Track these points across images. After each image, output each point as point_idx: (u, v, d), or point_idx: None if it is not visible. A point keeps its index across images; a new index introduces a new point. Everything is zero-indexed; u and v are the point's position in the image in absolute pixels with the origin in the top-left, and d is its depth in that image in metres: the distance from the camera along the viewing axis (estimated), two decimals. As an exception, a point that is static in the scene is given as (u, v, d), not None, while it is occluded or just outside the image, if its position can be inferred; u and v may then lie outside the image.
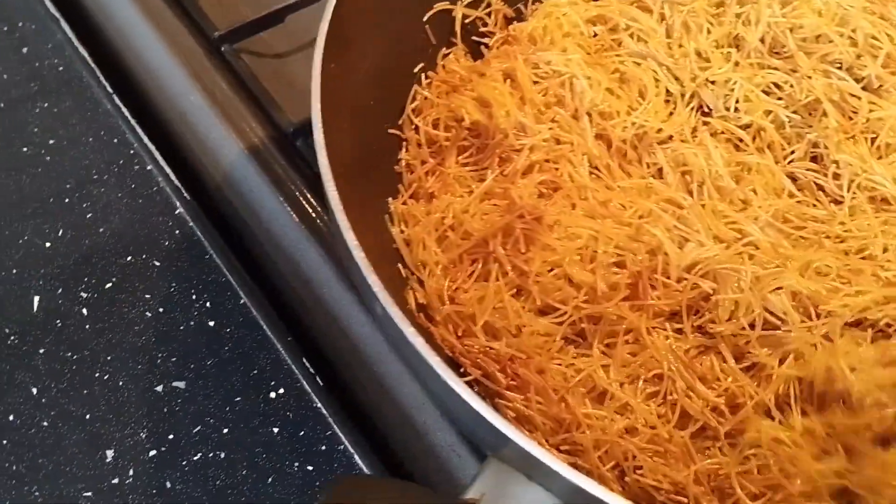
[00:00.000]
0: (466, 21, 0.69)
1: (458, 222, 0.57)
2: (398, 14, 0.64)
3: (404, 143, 0.63)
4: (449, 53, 0.67)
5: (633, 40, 0.67)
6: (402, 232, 0.58)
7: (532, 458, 0.40)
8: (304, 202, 0.67)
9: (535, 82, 0.63)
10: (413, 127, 0.63)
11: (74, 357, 0.58)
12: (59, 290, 0.60)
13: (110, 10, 0.79)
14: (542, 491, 0.42)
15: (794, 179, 0.62)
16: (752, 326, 0.53)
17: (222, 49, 0.78)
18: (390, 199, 0.60)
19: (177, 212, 0.65)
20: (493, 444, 0.43)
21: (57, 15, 0.76)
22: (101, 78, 0.72)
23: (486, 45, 0.69)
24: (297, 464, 0.54)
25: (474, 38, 0.69)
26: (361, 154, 0.57)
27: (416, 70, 0.66)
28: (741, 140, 0.63)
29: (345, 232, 0.46)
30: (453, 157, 0.61)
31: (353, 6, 0.58)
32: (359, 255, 0.46)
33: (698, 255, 0.54)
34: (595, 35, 0.67)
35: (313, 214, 0.67)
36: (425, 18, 0.67)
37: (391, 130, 0.63)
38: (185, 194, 0.66)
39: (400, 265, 0.57)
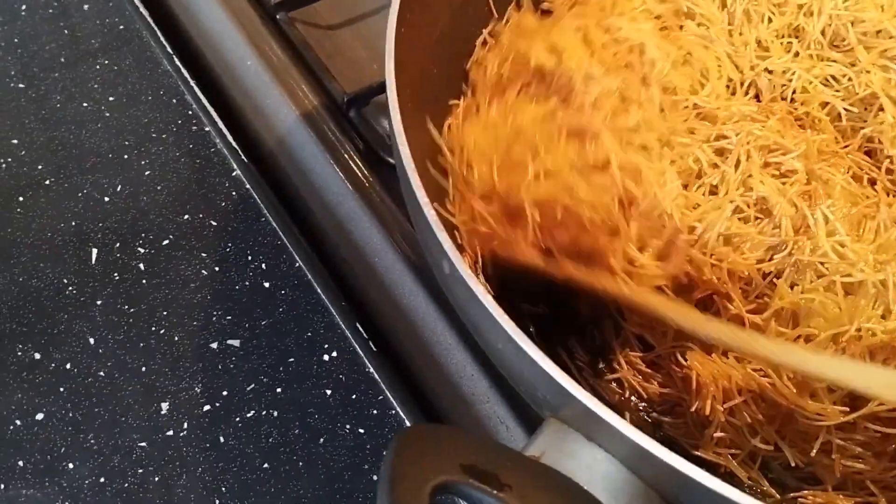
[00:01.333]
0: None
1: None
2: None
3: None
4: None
5: (694, 25, 0.67)
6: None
7: (593, 417, 0.40)
8: (356, 170, 0.68)
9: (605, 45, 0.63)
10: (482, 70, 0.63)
11: (131, 310, 0.58)
12: (117, 245, 0.61)
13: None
14: (601, 451, 0.42)
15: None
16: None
17: (277, 17, 0.78)
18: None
19: (234, 173, 0.65)
20: (554, 404, 0.44)
21: (117, -26, 0.77)
22: (161, 38, 0.73)
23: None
24: (348, 426, 0.55)
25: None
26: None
27: (478, 42, 0.66)
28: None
29: (416, 191, 0.47)
30: (514, 91, 0.61)
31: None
32: (430, 213, 0.46)
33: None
34: (659, 17, 0.68)
35: (366, 183, 0.67)
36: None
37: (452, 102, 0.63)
38: (243, 157, 0.66)
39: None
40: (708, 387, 0.55)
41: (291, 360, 0.57)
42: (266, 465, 0.53)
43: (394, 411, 0.55)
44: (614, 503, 0.42)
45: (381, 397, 0.56)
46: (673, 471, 0.39)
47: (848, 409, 0.53)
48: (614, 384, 0.59)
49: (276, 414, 0.55)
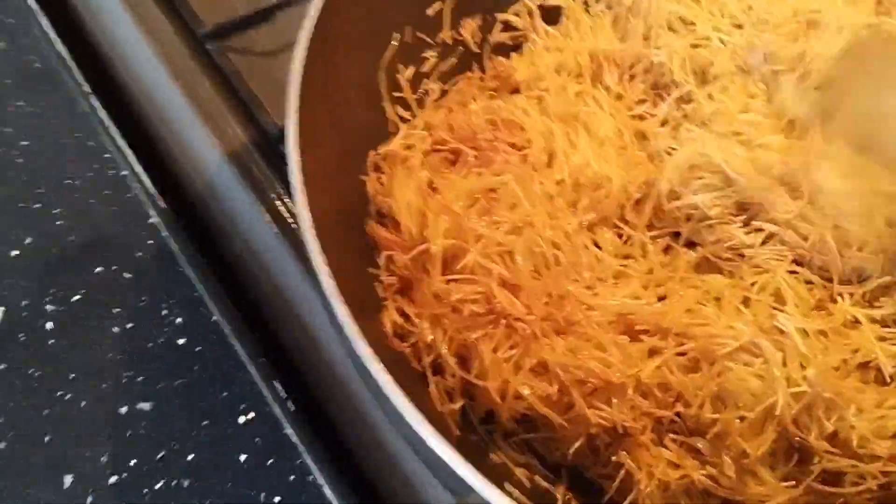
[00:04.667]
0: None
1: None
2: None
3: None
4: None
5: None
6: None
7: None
8: (285, 212, 0.65)
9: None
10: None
11: (37, 374, 0.55)
12: (25, 303, 0.58)
13: (94, 4, 0.77)
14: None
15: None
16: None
17: (208, 47, 0.75)
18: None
19: (150, 220, 0.62)
20: (459, 491, 0.41)
21: (37, 9, 0.73)
22: (80, 77, 0.69)
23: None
24: (263, 494, 0.52)
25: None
26: (339, 169, 0.55)
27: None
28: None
29: (315, 256, 0.44)
30: None
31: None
32: (328, 282, 0.43)
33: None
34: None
35: (294, 226, 0.64)
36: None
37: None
38: (161, 202, 0.63)
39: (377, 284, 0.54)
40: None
41: (205, 422, 0.54)
42: (175, 540, 0.50)
43: (312, 476, 0.52)
44: None
45: (298, 461, 0.53)
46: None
47: (794, 481, 0.50)
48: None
49: (186, 484, 0.52)
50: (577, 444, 0.49)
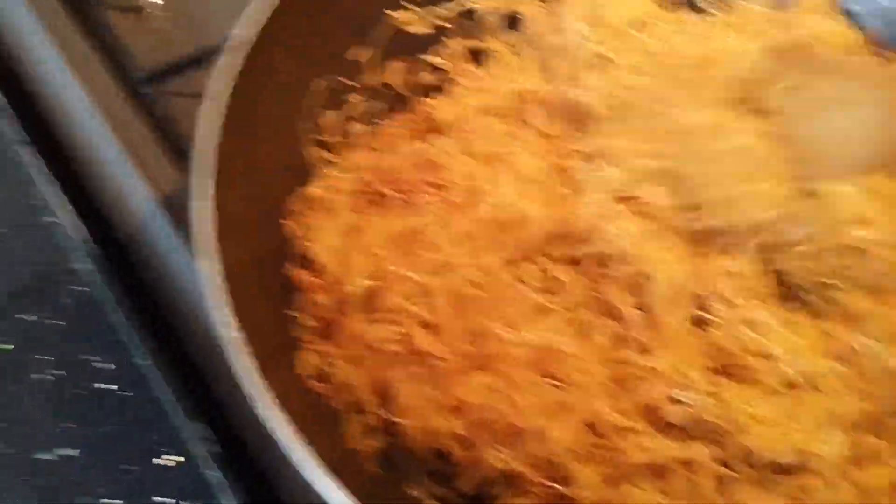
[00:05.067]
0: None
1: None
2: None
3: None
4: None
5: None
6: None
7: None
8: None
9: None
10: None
11: (-35, 425, 0.56)
12: (-46, 353, 0.59)
13: (29, 51, 0.77)
14: None
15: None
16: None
17: (143, 92, 0.76)
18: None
19: (80, 268, 0.63)
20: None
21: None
22: (15, 125, 0.70)
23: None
24: (188, 537, 0.53)
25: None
26: (257, 214, 0.56)
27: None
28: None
29: (216, 310, 0.45)
30: None
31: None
32: (229, 335, 0.44)
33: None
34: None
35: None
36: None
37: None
38: (91, 249, 0.64)
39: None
40: None
41: (132, 467, 0.55)
42: (99, 588, 0.51)
43: (233, 522, 0.53)
44: None
45: (223, 505, 0.54)
46: None
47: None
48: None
49: (111, 530, 0.53)
50: (471, 481, 0.50)
